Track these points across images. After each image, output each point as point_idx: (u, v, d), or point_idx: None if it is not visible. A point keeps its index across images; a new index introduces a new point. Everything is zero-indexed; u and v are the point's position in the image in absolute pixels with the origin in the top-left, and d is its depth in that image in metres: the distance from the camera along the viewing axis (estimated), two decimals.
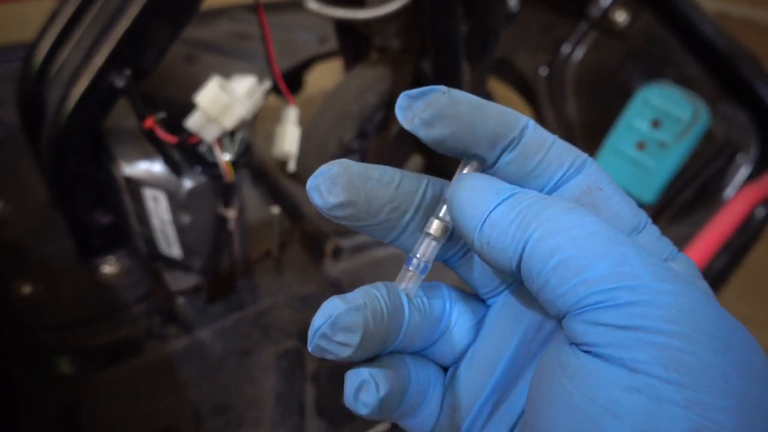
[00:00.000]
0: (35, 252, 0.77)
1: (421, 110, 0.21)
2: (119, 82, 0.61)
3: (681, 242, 0.90)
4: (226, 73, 0.67)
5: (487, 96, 1.01)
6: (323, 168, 0.22)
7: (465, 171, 0.23)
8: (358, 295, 0.22)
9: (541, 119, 1.15)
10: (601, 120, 1.07)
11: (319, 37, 1.25)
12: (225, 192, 0.68)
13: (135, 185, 0.67)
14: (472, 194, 0.21)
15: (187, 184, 0.66)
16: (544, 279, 0.19)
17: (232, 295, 0.77)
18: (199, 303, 0.75)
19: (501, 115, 0.22)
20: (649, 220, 0.23)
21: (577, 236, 0.19)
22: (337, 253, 0.86)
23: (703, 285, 0.22)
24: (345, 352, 0.21)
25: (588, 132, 1.11)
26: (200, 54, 1.16)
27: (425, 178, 0.24)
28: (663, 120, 0.96)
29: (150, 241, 0.73)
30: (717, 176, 0.99)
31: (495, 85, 1.24)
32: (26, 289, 0.73)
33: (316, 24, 1.24)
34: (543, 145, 0.22)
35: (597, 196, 0.22)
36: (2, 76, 1.00)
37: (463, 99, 0.21)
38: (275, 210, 0.80)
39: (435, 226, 0.23)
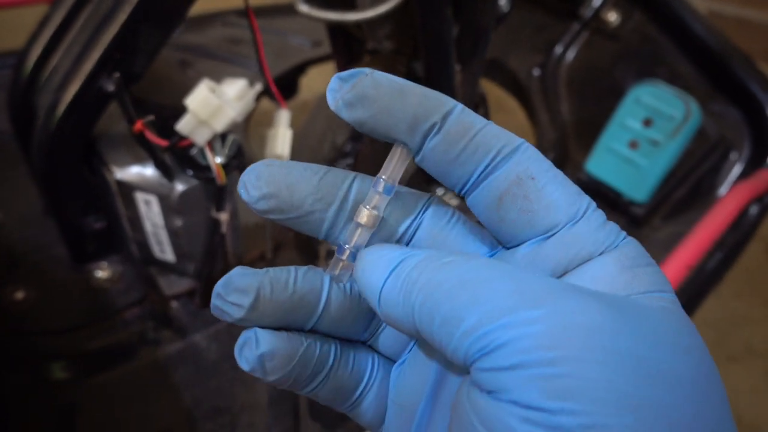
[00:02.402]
0: (28, 257, 0.77)
1: (346, 92, 0.21)
2: (109, 87, 0.61)
3: (674, 240, 0.90)
4: (219, 78, 0.67)
5: (480, 97, 1.01)
6: (249, 167, 0.23)
7: (394, 160, 0.23)
8: (270, 268, 0.23)
9: (534, 120, 1.15)
10: (594, 119, 1.07)
11: (313, 40, 1.26)
12: (217, 195, 0.68)
13: (127, 189, 0.67)
14: (367, 271, 0.22)
15: (179, 187, 0.66)
16: (437, 342, 0.19)
17: None
18: (192, 307, 0.75)
19: (423, 100, 0.21)
20: (592, 206, 0.22)
21: (450, 288, 0.19)
22: (331, 255, 0.86)
23: (647, 273, 0.21)
24: (237, 313, 0.22)
25: (582, 131, 1.11)
26: (193, 59, 1.16)
27: (353, 174, 0.24)
28: (655, 119, 0.96)
29: (143, 245, 0.73)
30: (710, 174, 0.99)
31: (488, 86, 1.25)
32: (19, 294, 0.73)
33: (310, 28, 1.24)
34: (468, 131, 0.22)
35: (528, 186, 0.22)
36: None
37: (384, 82, 0.21)
38: None
39: (363, 214, 0.23)
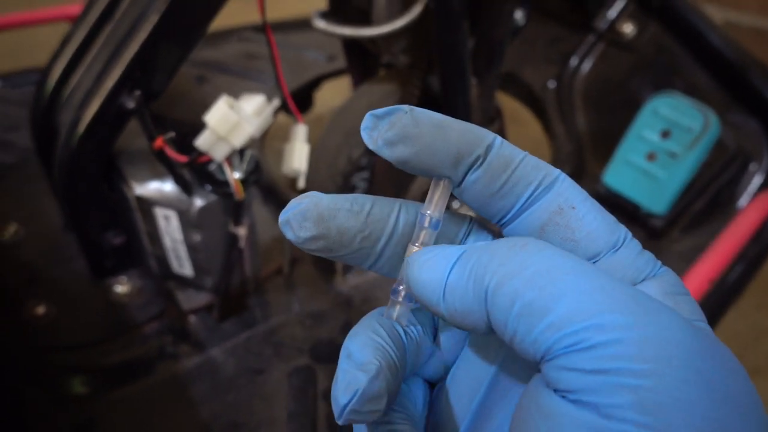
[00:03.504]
0: (49, 273, 0.78)
1: (385, 130, 0.21)
2: (129, 104, 0.62)
3: (694, 253, 0.89)
4: (237, 93, 0.68)
5: (496, 110, 1.01)
6: (293, 202, 0.22)
7: (437, 194, 0.23)
8: (369, 354, 0.22)
9: (550, 132, 1.15)
10: (610, 131, 1.07)
11: (328, 55, 1.27)
12: (235, 210, 0.69)
13: (146, 205, 0.68)
14: (425, 269, 0.21)
15: (198, 202, 0.66)
16: (512, 330, 0.18)
17: (244, 313, 0.78)
18: (210, 321, 0.76)
19: (465, 134, 0.21)
20: (629, 235, 0.22)
21: (532, 275, 0.18)
22: (348, 269, 0.86)
23: (687, 301, 0.21)
24: (374, 417, 0.21)
25: (598, 144, 1.10)
26: (211, 75, 1.17)
27: (397, 204, 0.23)
28: (673, 130, 0.95)
29: (162, 260, 0.73)
30: (729, 186, 0.98)
31: (504, 99, 1.25)
32: (40, 309, 0.73)
33: (325, 43, 1.25)
34: (510, 164, 0.21)
35: (570, 216, 0.21)
36: (16, 101, 1.02)
37: (425, 119, 0.21)
38: None
39: (413, 253, 0.23)
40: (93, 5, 0.68)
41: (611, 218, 0.22)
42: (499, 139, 0.22)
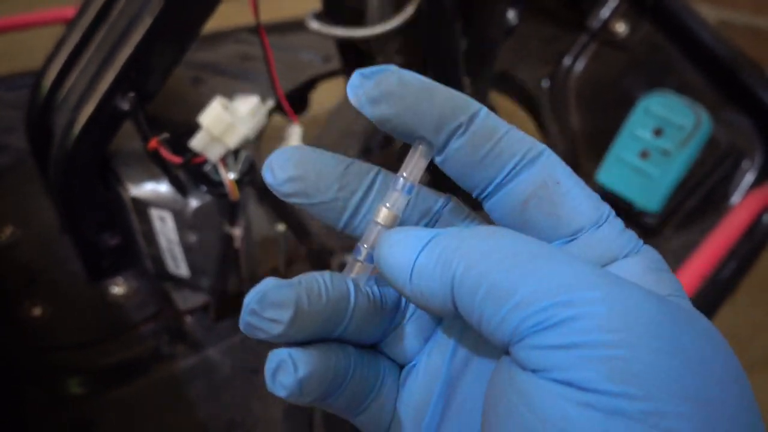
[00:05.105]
0: (45, 274, 0.78)
1: (371, 88, 0.21)
2: (124, 105, 0.62)
3: (687, 250, 0.89)
4: (232, 95, 0.68)
5: (491, 109, 1.02)
6: (277, 150, 0.22)
7: (414, 158, 0.23)
8: (297, 277, 0.22)
9: (544, 131, 1.16)
10: (604, 130, 1.07)
11: (324, 56, 1.27)
12: (230, 210, 0.69)
13: (142, 206, 0.68)
14: (395, 249, 0.21)
15: (193, 203, 0.67)
16: (478, 313, 0.18)
17: (240, 313, 0.78)
18: (206, 321, 0.76)
19: (450, 100, 0.21)
20: (612, 213, 0.22)
21: (499, 259, 0.18)
22: (343, 268, 0.86)
23: (669, 278, 0.21)
24: (276, 330, 0.20)
25: (592, 142, 1.11)
26: (206, 76, 1.17)
27: (377, 168, 0.24)
28: (665, 128, 0.96)
29: (158, 260, 0.73)
30: (722, 183, 0.99)
31: (497, 98, 1.25)
32: (36, 310, 0.74)
33: (320, 44, 1.25)
34: (494, 134, 0.22)
35: (553, 190, 0.21)
36: (12, 103, 1.02)
37: (412, 80, 0.21)
38: (281, 227, 0.81)
39: (382, 214, 0.23)
40: (87, 7, 0.69)
41: (595, 196, 0.22)
42: (485, 110, 0.22)
